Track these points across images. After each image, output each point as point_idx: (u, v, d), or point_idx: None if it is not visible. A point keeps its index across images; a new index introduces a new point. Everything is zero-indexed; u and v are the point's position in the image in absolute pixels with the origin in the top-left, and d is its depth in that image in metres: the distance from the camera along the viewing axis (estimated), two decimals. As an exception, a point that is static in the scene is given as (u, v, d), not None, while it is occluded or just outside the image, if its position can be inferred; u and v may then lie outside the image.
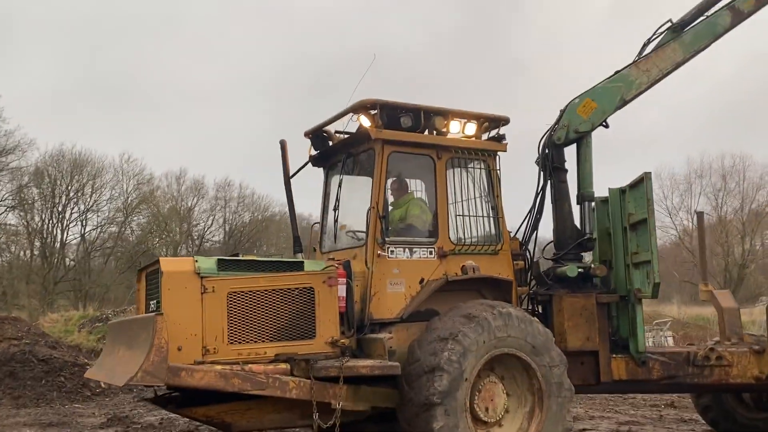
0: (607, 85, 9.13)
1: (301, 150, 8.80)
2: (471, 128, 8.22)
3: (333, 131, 8.63)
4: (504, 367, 7.45)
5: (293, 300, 6.94)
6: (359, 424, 7.57)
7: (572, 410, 7.67)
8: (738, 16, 9.42)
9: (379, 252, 7.50)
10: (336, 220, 8.34)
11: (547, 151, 9.06)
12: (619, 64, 9.29)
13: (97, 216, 41.16)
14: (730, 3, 9.43)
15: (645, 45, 9.53)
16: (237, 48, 78.66)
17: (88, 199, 40.50)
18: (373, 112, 7.78)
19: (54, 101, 63.98)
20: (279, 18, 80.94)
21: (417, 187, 8.64)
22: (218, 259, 7.00)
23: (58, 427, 11.92)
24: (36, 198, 39.21)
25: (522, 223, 9.04)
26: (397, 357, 7.22)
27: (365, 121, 7.80)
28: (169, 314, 6.29)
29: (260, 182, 67.21)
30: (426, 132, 8.05)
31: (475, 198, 8.25)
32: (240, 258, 7.29)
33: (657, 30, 9.51)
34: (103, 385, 15.35)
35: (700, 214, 12.16)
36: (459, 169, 8.23)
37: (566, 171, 9.05)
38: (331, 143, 8.66)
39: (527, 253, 8.80)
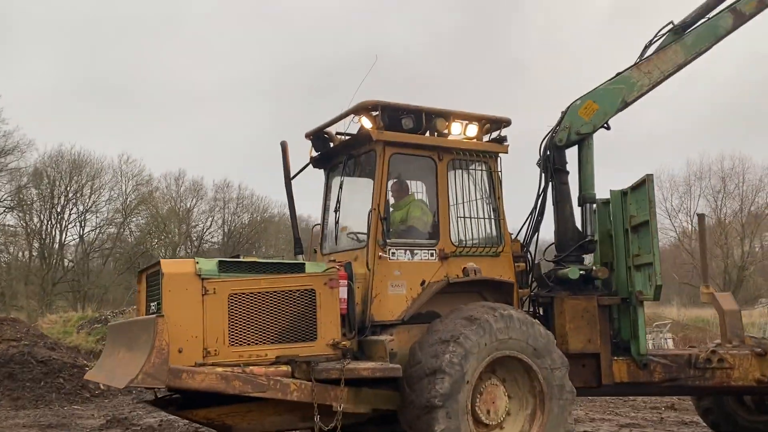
0: (609, 87, 9.12)
1: (301, 151, 8.80)
2: (472, 130, 8.20)
3: (334, 132, 8.62)
4: (505, 370, 7.43)
5: (294, 302, 6.91)
6: (360, 426, 7.55)
7: (573, 413, 7.62)
8: (740, 17, 9.42)
9: (380, 254, 7.48)
10: (337, 222, 8.32)
11: (548, 152, 9.04)
12: (620, 64, 9.31)
13: (96, 217, 41.18)
14: (731, 5, 9.43)
15: (646, 47, 9.53)
16: (236, 49, 78.76)
17: (87, 200, 40.53)
18: (374, 113, 7.76)
19: (53, 102, 64.04)
20: (278, 19, 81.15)
21: (417, 189, 8.63)
22: (219, 260, 6.97)
23: (57, 428, 11.90)
24: (35, 199, 39.21)
25: (523, 225, 9.04)
26: (398, 359, 7.20)
27: (366, 123, 7.78)
28: (169, 316, 6.27)
29: (259, 183, 67.42)
30: (427, 133, 8.03)
31: (476, 200, 8.23)
32: (241, 260, 7.26)
33: (658, 32, 9.52)
34: (102, 387, 15.33)
35: (701, 217, 12.15)
36: (460, 170, 8.21)
37: (567, 173, 9.04)
38: (332, 145, 8.64)
39: (528, 255, 8.79)
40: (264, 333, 6.78)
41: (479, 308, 7.44)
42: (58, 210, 39.34)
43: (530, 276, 8.73)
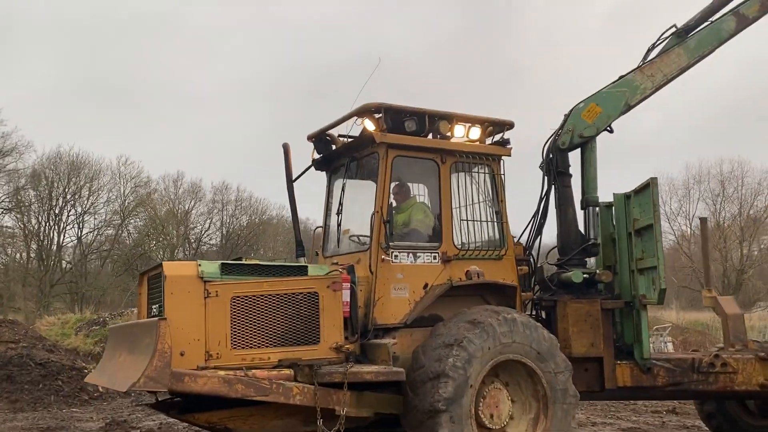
0: (612, 90, 9.10)
1: (302, 153, 8.76)
2: (475, 132, 8.19)
3: (336, 135, 8.59)
4: (509, 374, 7.40)
5: (297, 305, 6.88)
6: (362, 430, 7.50)
7: (576, 417, 7.59)
8: (743, 21, 9.40)
9: (383, 257, 7.45)
10: (339, 225, 8.27)
11: (551, 155, 9.02)
12: (619, 66, 9.31)
13: (94, 218, 41.05)
14: (735, 8, 9.41)
15: (649, 50, 9.50)
16: (236, 51, 78.68)
17: (85, 202, 40.39)
18: (377, 115, 7.73)
19: (52, 103, 63.87)
20: (278, 22, 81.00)
21: (419, 192, 8.59)
22: (222, 263, 6.93)
23: (56, 431, 11.82)
24: (33, 200, 39.08)
25: (525, 228, 9.01)
26: (401, 363, 7.18)
27: (369, 125, 7.75)
28: (171, 319, 6.23)
29: (258, 185, 67.36)
30: (430, 136, 8.01)
31: (479, 203, 8.20)
32: (243, 262, 7.22)
33: (661, 35, 9.49)
34: (101, 389, 15.26)
35: (703, 220, 12.13)
36: (463, 173, 8.19)
37: (570, 176, 9.02)
38: (334, 147, 8.61)
39: (531, 259, 8.76)
40: (266, 336, 6.75)
41: (483, 312, 7.40)
42: (56, 211, 39.25)
43: (533, 279, 8.71)
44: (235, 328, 6.63)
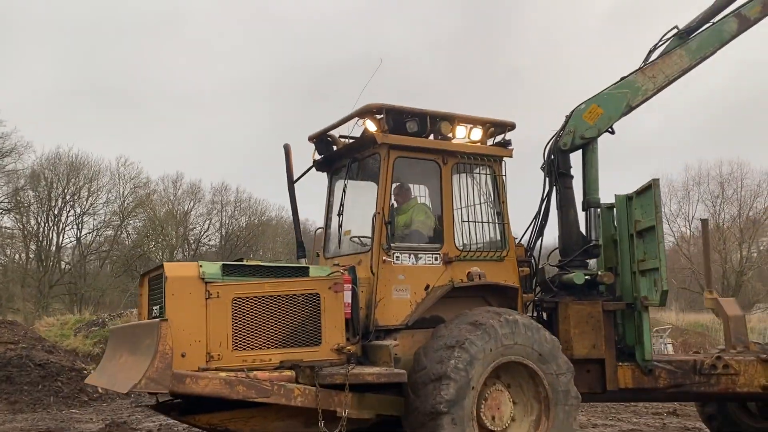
0: (613, 91, 9.09)
1: (302, 154, 8.74)
2: (477, 133, 8.18)
3: (337, 136, 8.57)
4: (510, 375, 7.38)
5: (299, 306, 6.86)
6: (363, 432, 7.48)
7: (578, 418, 7.57)
8: (744, 22, 9.40)
9: (384, 258, 7.44)
10: (340, 226, 8.26)
11: (552, 156, 9.01)
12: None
13: (93, 219, 40.92)
14: (736, 9, 9.42)
15: (651, 51, 9.49)
16: (235, 52, 78.63)
17: (85, 203, 40.27)
18: (379, 116, 7.72)
19: (51, 104, 63.84)
20: (278, 23, 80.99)
21: (420, 193, 8.58)
22: (223, 264, 6.92)
23: (56, 432, 11.81)
24: (32, 201, 38.97)
25: (527, 229, 9.00)
26: (403, 364, 7.16)
27: (371, 126, 7.74)
28: (172, 320, 6.22)
29: (258, 186, 67.34)
30: (431, 137, 7.99)
31: (480, 204, 8.19)
32: (245, 263, 7.20)
33: (663, 36, 9.49)
34: (100, 390, 15.23)
35: (704, 222, 12.12)
36: (464, 174, 8.17)
37: (572, 177, 9.00)
38: (335, 148, 8.59)
39: (532, 260, 8.75)
40: (268, 337, 6.73)
41: (484, 313, 7.39)
42: (56, 212, 39.15)
43: (534, 281, 8.69)
44: (236, 330, 6.61)
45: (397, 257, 7.52)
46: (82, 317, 25.04)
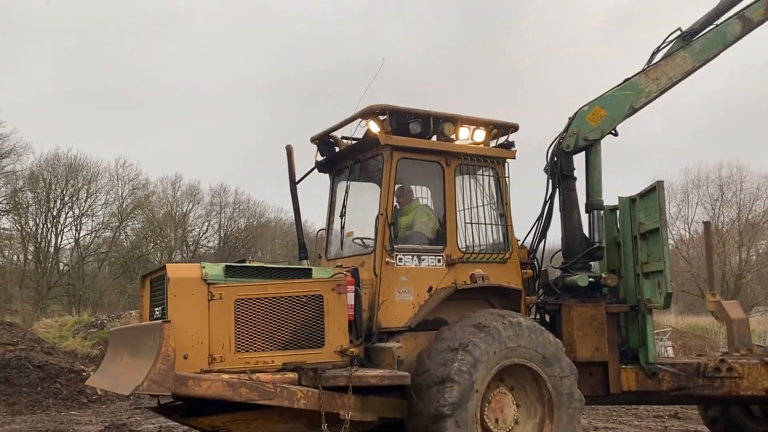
0: (616, 93, 9.07)
1: (302, 154, 8.71)
2: (480, 135, 8.15)
3: (340, 137, 8.53)
4: (514, 378, 7.35)
5: (302, 308, 6.82)
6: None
7: (583, 421, 7.54)
8: (748, 24, 9.39)
9: (387, 259, 7.40)
10: (342, 227, 8.22)
11: (555, 158, 8.98)
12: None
13: (92, 221, 40.81)
14: (739, 12, 9.40)
15: (654, 53, 9.48)
16: (235, 54, 78.59)
17: (83, 204, 40.15)
18: (382, 117, 7.69)
19: (51, 104, 63.77)
20: (277, 26, 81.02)
21: (422, 194, 8.55)
22: (226, 265, 6.88)
23: (55, 434, 11.75)
24: (30, 202, 38.87)
25: (529, 231, 8.96)
26: (405, 366, 7.13)
27: (374, 127, 7.71)
28: (175, 321, 6.17)
29: (257, 187, 67.36)
30: (434, 138, 7.96)
31: (483, 205, 8.16)
32: (247, 264, 7.16)
33: (666, 38, 9.47)
34: (99, 392, 15.16)
35: (706, 224, 12.09)
36: (467, 176, 8.13)
37: (575, 179, 8.97)
38: (337, 149, 8.55)
39: (535, 262, 8.71)
40: (271, 339, 6.69)
41: (488, 315, 7.35)
42: (54, 213, 39.04)
43: (537, 283, 8.66)
44: (239, 331, 6.57)
45: (400, 259, 7.49)
46: (81, 319, 24.98)
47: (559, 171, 8.90)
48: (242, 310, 6.61)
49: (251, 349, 6.60)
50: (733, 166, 43.89)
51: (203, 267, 6.71)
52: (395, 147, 7.63)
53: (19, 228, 38.36)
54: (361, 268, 7.48)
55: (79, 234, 40.25)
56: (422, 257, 7.62)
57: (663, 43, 9.45)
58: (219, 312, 6.53)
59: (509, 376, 7.32)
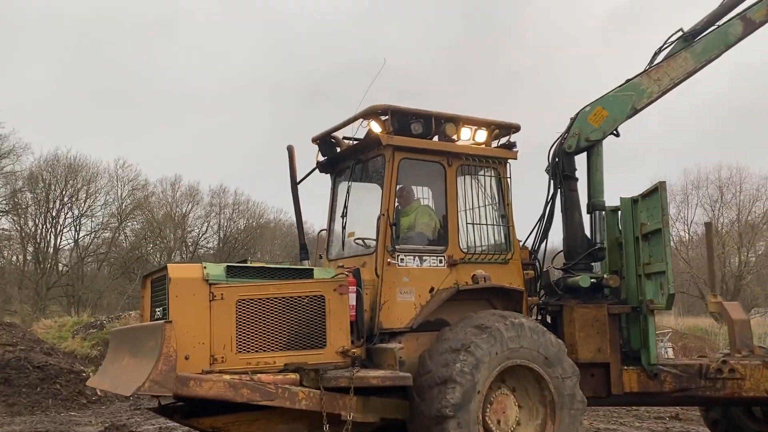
0: (618, 94, 9.05)
1: (303, 155, 8.69)
2: (482, 135, 8.13)
3: (341, 137, 8.51)
4: (516, 379, 7.33)
5: (303, 308, 6.80)
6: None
7: (584, 422, 7.52)
8: (750, 25, 9.38)
9: (389, 260, 7.38)
10: (344, 227, 8.19)
11: (557, 159, 8.97)
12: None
13: (91, 221, 40.78)
14: (741, 12, 9.40)
15: (656, 54, 9.48)
16: (235, 54, 78.54)
17: (82, 205, 40.13)
18: (383, 117, 7.67)
19: (50, 104, 63.72)
20: (277, 26, 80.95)
21: (423, 195, 8.53)
22: (227, 265, 6.86)
23: (54, 435, 11.73)
24: (30, 203, 38.83)
25: (531, 232, 8.95)
26: (407, 367, 7.11)
27: (376, 127, 7.69)
28: (176, 322, 6.14)
29: (257, 187, 67.31)
30: (436, 139, 7.94)
31: (485, 206, 8.14)
32: (249, 264, 7.13)
33: (668, 39, 9.47)
34: (99, 393, 15.12)
35: (708, 225, 12.14)
36: (469, 176, 8.12)
37: (577, 179, 8.96)
38: (338, 149, 8.53)
39: (537, 263, 8.69)
40: (272, 340, 6.67)
41: (490, 316, 7.33)
42: (53, 214, 39.01)
43: (538, 284, 8.64)
44: (240, 332, 6.55)
45: (402, 259, 7.47)
46: (80, 319, 24.93)
47: (560, 171, 8.88)
48: (244, 310, 6.58)
49: (253, 349, 6.58)
50: (733, 167, 43.99)
51: (205, 267, 6.68)
52: (397, 147, 7.61)
53: (19, 228, 38.35)
54: (363, 269, 7.45)
55: (78, 234, 40.27)
56: (424, 258, 7.60)
57: (665, 43, 9.45)
58: (220, 312, 6.50)
59: (511, 377, 7.30)
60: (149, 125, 66.19)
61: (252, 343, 6.58)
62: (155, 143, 65.71)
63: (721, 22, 9.40)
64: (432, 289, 7.56)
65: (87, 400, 15.23)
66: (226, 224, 47.07)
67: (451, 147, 7.90)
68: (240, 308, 6.57)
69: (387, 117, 7.63)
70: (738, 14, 9.40)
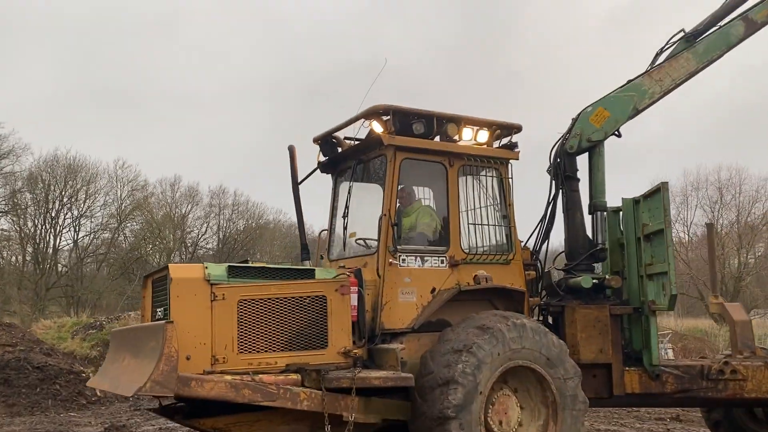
0: (620, 94, 9.04)
1: (303, 155, 8.67)
2: (483, 135, 8.12)
3: (342, 137, 8.49)
4: (518, 380, 7.31)
5: (305, 308, 6.77)
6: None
7: (586, 423, 7.49)
8: (751, 26, 9.37)
9: (390, 260, 7.36)
10: (345, 228, 8.17)
11: (558, 159, 8.95)
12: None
13: (91, 222, 40.76)
14: (743, 13, 9.39)
15: (657, 54, 9.46)
16: (235, 54, 78.53)
17: (82, 205, 40.10)
18: (385, 117, 7.65)
19: (50, 104, 63.72)
20: (277, 26, 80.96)
21: (424, 195, 8.51)
22: (229, 265, 6.83)
23: (54, 436, 11.70)
24: (29, 203, 38.83)
25: (532, 232, 8.93)
26: (409, 368, 7.09)
27: (377, 127, 7.67)
28: (177, 322, 6.12)
29: (257, 187, 67.28)
30: (438, 139, 7.92)
31: (486, 206, 8.12)
32: (250, 265, 7.11)
33: (669, 39, 9.45)
34: (99, 394, 15.10)
35: (709, 226, 12.13)
36: (470, 176, 8.10)
37: (578, 180, 8.94)
38: (340, 149, 8.51)
39: (538, 264, 8.67)
40: (274, 340, 6.65)
41: (492, 317, 7.31)
42: (53, 215, 38.99)
43: (540, 284, 8.62)
44: (242, 332, 6.52)
45: (404, 260, 7.45)
46: (80, 320, 24.90)
47: (562, 172, 8.87)
48: (245, 310, 6.56)
49: (254, 350, 6.55)
50: (732, 168, 43.95)
51: (206, 267, 6.66)
52: (399, 147, 7.60)
53: (18, 229, 38.34)
54: (364, 269, 7.43)
55: (77, 235, 40.26)
56: (425, 258, 7.59)
57: (666, 44, 9.44)
58: (222, 312, 6.48)
59: (513, 378, 7.28)
60: (149, 125, 66.25)
61: (253, 343, 6.56)
62: (155, 143, 65.76)
63: (722, 23, 9.38)
64: (433, 290, 7.54)
65: (87, 401, 15.20)
66: (225, 225, 47.10)
67: (452, 147, 7.89)
68: (241, 308, 6.55)
69: (389, 117, 7.62)
70: (740, 15, 9.38)
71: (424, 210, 8.16)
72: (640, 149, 62.50)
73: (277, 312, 6.67)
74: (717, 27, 9.37)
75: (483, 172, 8.18)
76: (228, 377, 6.24)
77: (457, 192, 7.89)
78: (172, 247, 43.74)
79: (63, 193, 39.28)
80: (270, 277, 6.89)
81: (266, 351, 6.59)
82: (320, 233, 8.97)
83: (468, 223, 7.91)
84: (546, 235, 8.87)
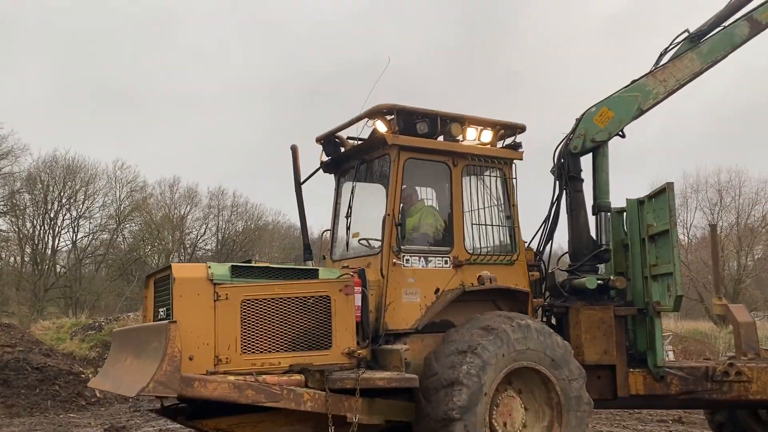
0: (624, 95, 9.01)
1: (304, 155, 8.60)
2: (487, 135, 8.08)
3: (345, 137, 8.45)
4: (522, 381, 7.27)
5: (308, 309, 6.73)
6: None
7: (590, 425, 7.45)
8: (756, 26, 9.34)
9: (394, 260, 7.32)
10: (348, 228, 8.13)
11: (562, 160, 8.92)
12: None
13: (89, 223, 40.69)
14: (747, 13, 9.36)
15: (662, 55, 9.43)
16: (235, 53, 78.45)
17: (81, 206, 40.04)
18: (389, 117, 7.61)
19: (50, 105, 63.61)
20: (276, 27, 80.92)
21: (426, 195, 8.47)
22: (232, 265, 6.79)
23: (54, 437, 11.64)
24: (28, 204, 38.77)
25: (536, 233, 8.89)
26: (413, 369, 7.04)
27: (381, 127, 7.63)
28: (180, 322, 6.06)
29: (256, 187, 67.21)
30: (441, 138, 7.88)
31: (490, 207, 8.08)
32: (254, 264, 7.06)
33: (674, 40, 9.42)
34: (98, 394, 15.04)
35: (713, 227, 12.12)
36: (474, 177, 8.06)
37: (582, 180, 8.90)
38: (343, 149, 8.47)
39: (542, 264, 8.63)
40: (277, 340, 6.60)
41: (496, 318, 7.27)
42: (52, 215, 38.93)
43: (543, 285, 8.58)
44: (245, 332, 6.48)
45: (407, 260, 7.41)
46: (79, 321, 24.84)
47: (566, 172, 8.84)
48: (248, 310, 6.51)
49: (257, 350, 6.51)
50: (732, 170, 43.87)
51: (209, 267, 6.62)
52: (402, 147, 7.55)
53: (17, 230, 38.27)
54: (367, 270, 7.39)
55: (76, 236, 40.21)
56: (429, 258, 7.54)
57: (671, 44, 9.41)
58: (225, 312, 6.43)
59: (517, 379, 7.24)
60: (149, 125, 66.16)
61: (257, 343, 6.51)
62: (154, 143, 65.66)
63: (727, 23, 9.35)
64: (437, 290, 7.50)
65: (86, 402, 15.13)
66: (224, 226, 47.04)
67: (456, 147, 7.85)
68: (245, 308, 6.50)
69: (392, 116, 7.58)
70: (744, 15, 9.35)
71: (427, 210, 8.12)
72: (642, 150, 62.52)
73: (281, 312, 6.62)
74: (721, 27, 9.34)
75: (487, 173, 8.14)
76: (231, 378, 6.19)
77: (461, 192, 7.85)
78: (171, 248, 43.66)
79: (62, 193, 39.25)
80: (273, 277, 6.84)
81: (270, 351, 6.55)
82: (323, 233, 8.93)
83: (472, 224, 7.87)
84: (550, 236, 8.85)
